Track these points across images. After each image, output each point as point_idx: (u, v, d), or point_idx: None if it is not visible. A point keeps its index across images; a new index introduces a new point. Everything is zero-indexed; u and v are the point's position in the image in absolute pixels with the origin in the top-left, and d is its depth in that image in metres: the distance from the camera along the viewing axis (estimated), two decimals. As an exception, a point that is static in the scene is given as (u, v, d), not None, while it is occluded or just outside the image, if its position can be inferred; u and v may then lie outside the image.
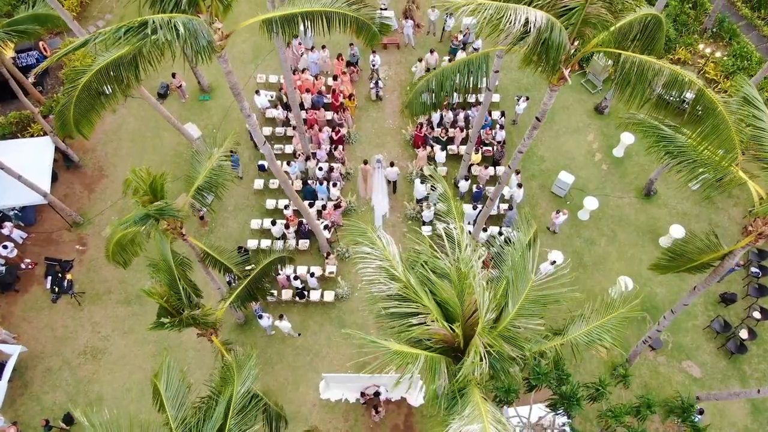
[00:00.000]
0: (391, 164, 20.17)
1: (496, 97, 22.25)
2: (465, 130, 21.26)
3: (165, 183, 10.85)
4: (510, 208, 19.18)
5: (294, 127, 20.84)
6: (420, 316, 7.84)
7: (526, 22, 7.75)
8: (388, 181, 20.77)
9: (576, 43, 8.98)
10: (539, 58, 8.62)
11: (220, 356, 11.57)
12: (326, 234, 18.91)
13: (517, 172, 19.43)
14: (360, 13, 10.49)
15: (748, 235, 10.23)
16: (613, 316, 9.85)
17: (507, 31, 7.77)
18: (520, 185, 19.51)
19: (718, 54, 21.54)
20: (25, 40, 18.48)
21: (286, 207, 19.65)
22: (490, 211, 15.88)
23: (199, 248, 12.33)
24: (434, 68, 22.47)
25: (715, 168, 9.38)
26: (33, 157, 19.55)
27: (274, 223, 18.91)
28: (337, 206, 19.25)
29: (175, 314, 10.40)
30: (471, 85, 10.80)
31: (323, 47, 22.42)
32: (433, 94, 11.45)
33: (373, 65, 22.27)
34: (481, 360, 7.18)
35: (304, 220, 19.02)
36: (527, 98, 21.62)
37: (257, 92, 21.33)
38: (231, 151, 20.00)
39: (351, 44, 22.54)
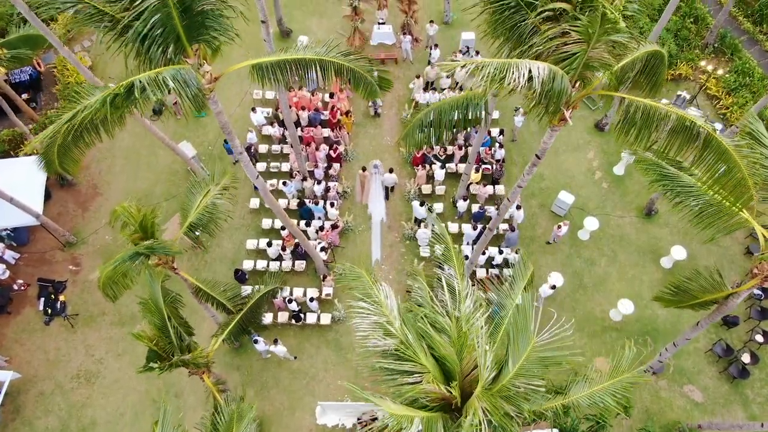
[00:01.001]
0: (390, 170, 20.11)
1: (495, 114, 21.96)
2: (464, 147, 20.98)
3: (155, 220, 10.56)
4: (512, 230, 18.91)
5: (291, 145, 20.55)
6: (416, 375, 7.57)
7: (530, 77, 7.48)
8: (385, 187, 20.65)
9: (578, 85, 8.73)
10: (539, 103, 8.33)
11: (212, 397, 11.30)
12: (323, 256, 18.64)
13: (519, 207, 19.10)
14: (357, 64, 9.97)
15: (754, 277, 9.98)
16: (618, 380, 9.49)
17: (511, 87, 7.49)
18: (519, 207, 19.22)
19: (720, 71, 21.27)
20: (18, 66, 18.17)
21: (282, 228, 19.37)
22: (489, 237, 15.60)
23: (192, 283, 12.05)
24: (433, 82, 22.35)
25: (726, 213, 9.02)
26: (26, 176, 19.19)
27: (270, 244, 18.63)
28: (334, 227, 18.97)
29: (166, 357, 10.12)
30: (470, 120, 10.49)
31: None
32: (431, 129, 11.13)
33: None
34: (480, 424, 6.92)
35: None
36: (526, 112, 21.36)
37: (253, 109, 21.06)
38: (225, 141, 19.70)
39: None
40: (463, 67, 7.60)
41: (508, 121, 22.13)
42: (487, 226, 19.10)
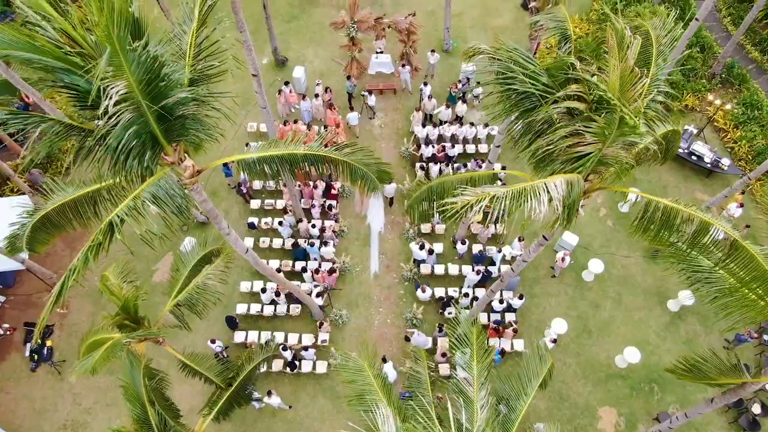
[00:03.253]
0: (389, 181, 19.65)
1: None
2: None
3: (138, 302, 9.93)
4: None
5: (284, 184, 19.92)
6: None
7: (550, 198, 6.87)
8: (385, 197, 20.38)
9: (591, 177, 8.12)
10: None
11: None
12: (319, 301, 18.00)
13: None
14: (354, 158, 9.24)
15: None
16: None
17: (533, 215, 6.86)
18: (520, 238, 18.56)
19: (728, 106, 20.65)
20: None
21: (278, 270, 18.72)
22: (490, 298, 14.97)
23: (178, 358, 11.41)
24: (431, 114, 21.71)
25: (758, 310, 8.34)
26: (10, 218, 18.52)
27: (264, 290, 17.99)
28: (331, 271, 18.33)
29: (148, 451, 9.51)
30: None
31: (316, 95, 21.50)
32: (435, 203, 10.45)
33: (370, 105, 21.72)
34: None
35: (298, 283, 18.29)
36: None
37: (247, 145, 20.36)
38: (225, 164, 19.10)
39: (348, 77, 21.75)
40: (474, 205, 6.94)
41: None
42: (487, 267, 18.62)
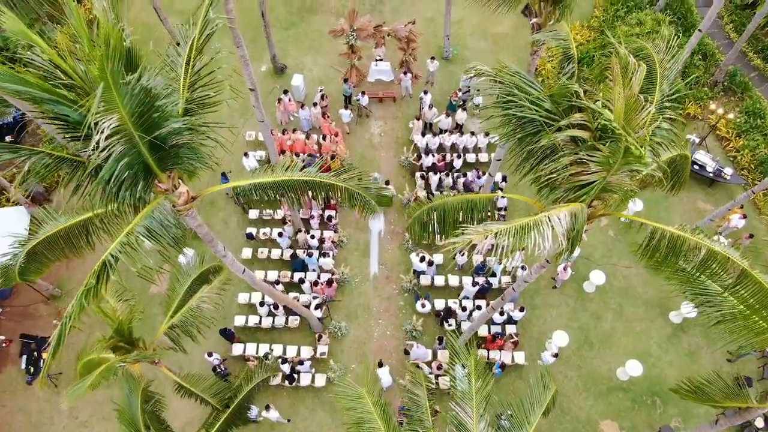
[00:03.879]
0: (387, 182, 19.74)
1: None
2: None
3: (133, 324, 9.76)
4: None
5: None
6: None
7: (554, 235, 6.72)
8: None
9: (594, 203, 7.94)
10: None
11: None
12: (318, 313, 17.83)
13: (523, 268, 18.17)
14: (351, 183, 9.03)
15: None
16: None
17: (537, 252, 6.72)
18: (524, 267, 18.28)
19: (730, 115, 20.47)
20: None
21: (276, 282, 18.59)
22: (490, 315, 14.79)
23: (173, 379, 11.23)
24: (431, 123, 21.53)
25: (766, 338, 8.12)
26: (6, 229, 18.33)
27: (262, 303, 17.82)
28: (330, 282, 18.15)
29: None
30: (476, 221, 9.64)
31: (315, 104, 21.34)
32: (435, 224, 10.27)
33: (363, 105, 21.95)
34: None
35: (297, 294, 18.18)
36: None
37: (246, 155, 20.18)
38: (223, 173, 19.02)
39: (345, 80, 21.62)
40: (474, 247, 6.83)
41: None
42: (488, 279, 18.44)
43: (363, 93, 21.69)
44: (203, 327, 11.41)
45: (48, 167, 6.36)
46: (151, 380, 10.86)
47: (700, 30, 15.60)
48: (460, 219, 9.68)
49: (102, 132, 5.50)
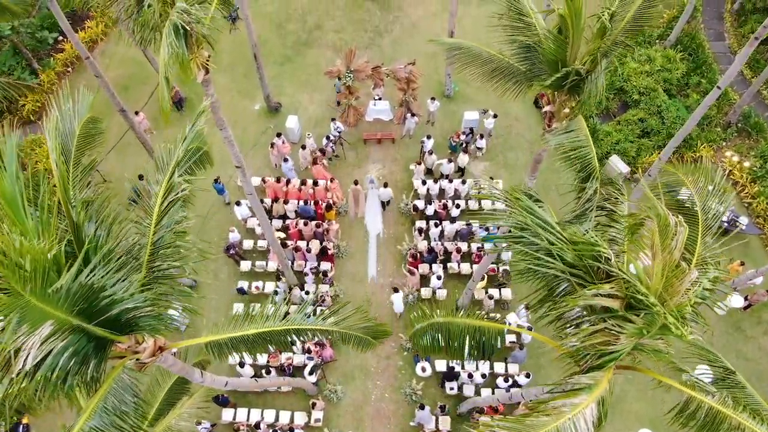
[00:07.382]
0: (385, 185, 19.43)
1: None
2: (467, 242, 19.24)
3: None
4: (520, 347, 17.21)
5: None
6: None
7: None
8: (381, 201, 19.97)
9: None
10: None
11: None
12: (312, 378, 16.88)
13: (527, 307, 17.30)
14: (342, 326, 8.06)
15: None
16: None
17: None
18: (527, 306, 17.36)
19: (746, 164, 19.54)
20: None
21: (267, 365, 17.64)
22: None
23: None
24: (432, 168, 20.59)
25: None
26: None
27: (242, 364, 16.83)
28: (322, 345, 17.20)
29: None
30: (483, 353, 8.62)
31: (303, 147, 20.53)
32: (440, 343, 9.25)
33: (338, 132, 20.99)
34: None
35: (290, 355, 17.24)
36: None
37: (237, 203, 19.18)
38: (216, 180, 19.17)
39: (333, 119, 20.79)
40: None
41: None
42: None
43: (333, 119, 20.90)
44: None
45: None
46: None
47: (719, 87, 14.65)
48: (466, 345, 8.66)
49: (29, 353, 4.54)
